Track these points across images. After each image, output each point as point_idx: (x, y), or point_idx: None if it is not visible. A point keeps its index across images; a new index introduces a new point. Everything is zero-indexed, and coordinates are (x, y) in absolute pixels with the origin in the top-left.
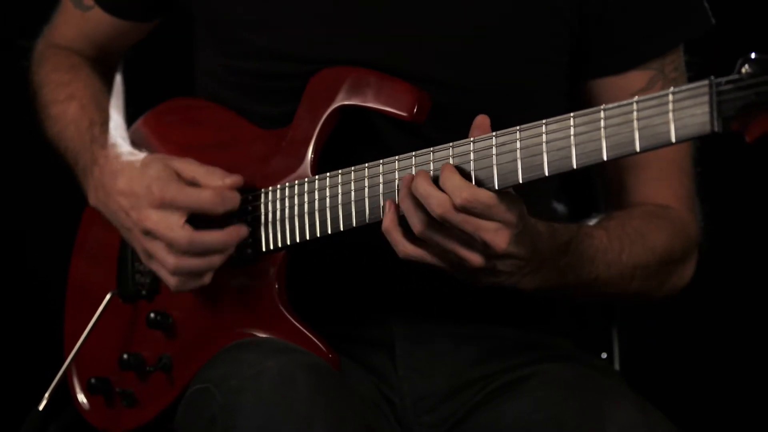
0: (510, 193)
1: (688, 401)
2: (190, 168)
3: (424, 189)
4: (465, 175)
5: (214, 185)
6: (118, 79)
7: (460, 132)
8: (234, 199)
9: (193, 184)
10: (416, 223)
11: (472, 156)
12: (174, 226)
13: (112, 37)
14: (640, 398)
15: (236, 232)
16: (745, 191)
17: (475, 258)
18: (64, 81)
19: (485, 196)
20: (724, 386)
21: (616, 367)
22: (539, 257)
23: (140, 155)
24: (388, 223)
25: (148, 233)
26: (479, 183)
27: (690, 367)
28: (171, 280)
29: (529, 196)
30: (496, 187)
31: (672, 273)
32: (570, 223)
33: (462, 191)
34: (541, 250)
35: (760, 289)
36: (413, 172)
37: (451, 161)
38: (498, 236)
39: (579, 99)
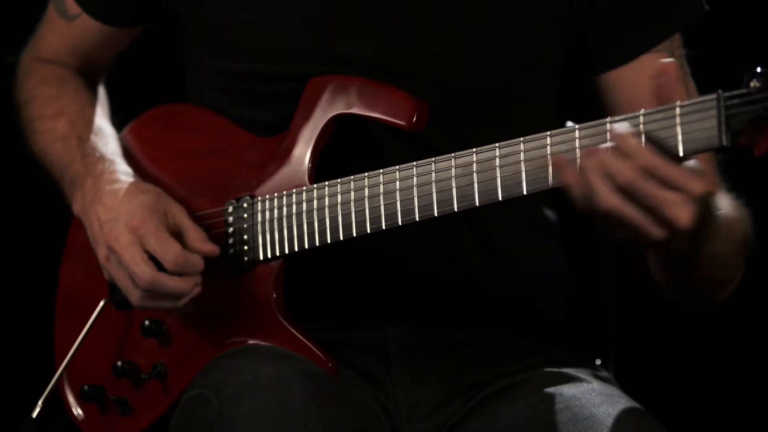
0: (699, 167)
1: (682, 407)
2: (179, 215)
3: (609, 160)
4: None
5: (190, 245)
6: (102, 92)
7: (453, 130)
8: (196, 267)
9: (176, 228)
10: (607, 197)
11: (474, 167)
12: (138, 259)
13: (97, 45)
14: (634, 404)
15: (194, 282)
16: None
17: (659, 233)
18: (51, 95)
19: (667, 162)
20: (718, 392)
21: (610, 373)
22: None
23: (136, 179)
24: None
25: (112, 251)
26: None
27: (684, 373)
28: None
29: (520, 202)
30: (500, 198)
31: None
32: None
33: (641, 155)
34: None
35: (756, 293)
36: (414, 182)
37: (453, 171)
38: (681, 211)
39: (596, 94)
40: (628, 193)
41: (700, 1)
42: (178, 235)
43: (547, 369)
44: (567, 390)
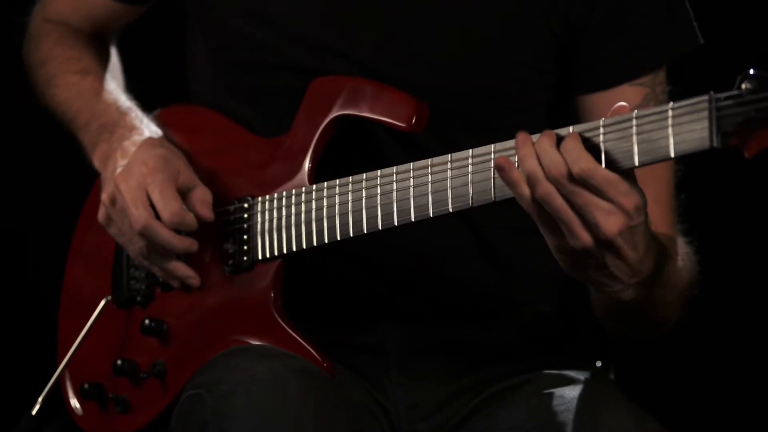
0: (635, 182)
1: (682, 409)
2: (190, 176)
3: (544, 148)
4: (593, 148)
5: (191, 202)
6: (114, 55)
7: (448, 134)
8: (191, 226)
9: (185, 186)
10: (539, 186)
11: (470, 168)
12: (138, 202)
13: (106, 16)
14: (634, 405)
15: (189, 243)
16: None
17: (585, 236)
18: (72, 55)
19: (606, 172)
20: (719, 394)
21: (611, 376)
22: (646, 270)
23: (161, 134)
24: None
25: (118, 191)
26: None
27: (684, 375)
28: (132, 252)
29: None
30: (494, 198)
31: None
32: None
33: (581, 161)
34: (648, 266)
35: (755, 293)
36: (411, 183)
37: (449, 173)
38: (610, 219)
39: (572, 115)
40: (558, 186)
41: (687, 39)
42: (185, 192)
43: (547, 371)
44: (568, 392)
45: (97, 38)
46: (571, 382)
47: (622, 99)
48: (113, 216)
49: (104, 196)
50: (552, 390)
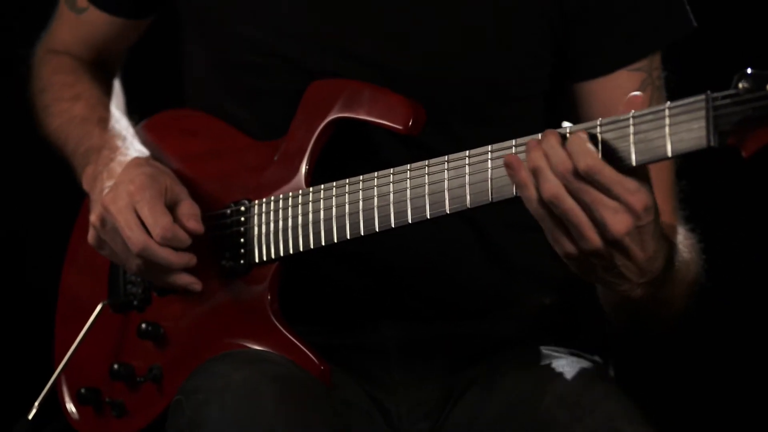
0: (645, 181)
1: (686, 403)
2: (178, 191)
3: (550, 145)
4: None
5: (178, 217)
6: (117, 86)
7: (447, 127)
8: (183, 242)
9: (173, 202)
10: (546, 184)
11: (467, 169)
12: (131, 223)
13: (108, 37)
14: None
15: (187, 258)
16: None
17: (594, 237)
18: (68, 82)
19: (611, 170)
20: (722, 386)
21: (611, 371)
22: (655, 270)
23: (147, 153)
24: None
25: (107, 212)
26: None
27: (688, 368)
28: (129, 269)
29: (520, 203)
30: (491, 200)
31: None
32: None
33: (587, 158)
34: (657, 267)
35: (756, 293)
36: (408, 185)
37: (446, 174)
38: (617, 218)
39: (570, 103)
40: (565, 183)
41: (681, 24)
42: (173, 208)
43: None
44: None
45: (98, 66)
46: (538, 354)
47: (619, 85)
48: (104, 237)
49: (93, 218)
50: (518, 365)
